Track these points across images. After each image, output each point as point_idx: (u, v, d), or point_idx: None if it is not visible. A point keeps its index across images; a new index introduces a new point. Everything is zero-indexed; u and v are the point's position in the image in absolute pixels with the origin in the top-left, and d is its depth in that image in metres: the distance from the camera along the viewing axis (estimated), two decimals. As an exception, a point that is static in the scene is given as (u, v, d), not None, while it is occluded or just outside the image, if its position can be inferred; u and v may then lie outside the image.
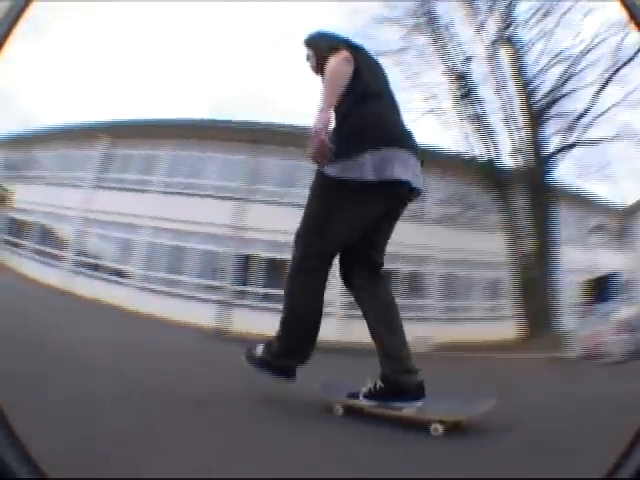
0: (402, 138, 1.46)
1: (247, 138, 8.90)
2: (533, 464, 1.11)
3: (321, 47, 1.52)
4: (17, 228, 11.23)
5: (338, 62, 1.37)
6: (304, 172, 8.40)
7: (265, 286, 7.72)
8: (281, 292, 1.63)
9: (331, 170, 1.39)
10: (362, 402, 1.43)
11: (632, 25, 0.97)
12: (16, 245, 10.86)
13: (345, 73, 1.37)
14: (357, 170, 1.36)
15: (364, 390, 1.45)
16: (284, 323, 1.52)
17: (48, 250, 9.85)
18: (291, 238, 1.59)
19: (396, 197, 1.48)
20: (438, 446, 1.23)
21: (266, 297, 7.52)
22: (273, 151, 8.82)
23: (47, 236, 10.67)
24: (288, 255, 1.61)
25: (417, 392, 1.37)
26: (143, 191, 9.45)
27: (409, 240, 6.39)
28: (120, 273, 8.79)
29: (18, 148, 13.32)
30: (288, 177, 8.66)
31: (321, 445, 1.21)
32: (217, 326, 6.62)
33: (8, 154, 13.78)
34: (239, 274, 7.91)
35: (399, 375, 1.39)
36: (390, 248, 1.64)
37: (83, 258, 9.38)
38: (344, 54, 1.38)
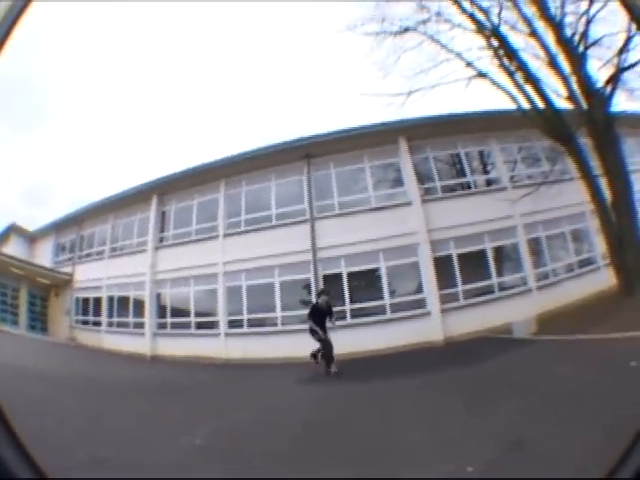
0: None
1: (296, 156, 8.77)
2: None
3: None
4: (88, 307, 11.13)
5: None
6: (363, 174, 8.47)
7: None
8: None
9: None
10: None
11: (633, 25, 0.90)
12: (88, 323, 10.80)
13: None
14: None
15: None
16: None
17: (126, 320, 9.86)
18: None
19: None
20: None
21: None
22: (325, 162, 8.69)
23: (122, 307, 10.40)
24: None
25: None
26: (210, 238, 9.33)
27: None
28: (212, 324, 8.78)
29: (69, 229, 13.04)
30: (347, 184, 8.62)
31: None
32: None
33: (61, 237, 13.52)
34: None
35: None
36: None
37: (172, 319, 9.29)
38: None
